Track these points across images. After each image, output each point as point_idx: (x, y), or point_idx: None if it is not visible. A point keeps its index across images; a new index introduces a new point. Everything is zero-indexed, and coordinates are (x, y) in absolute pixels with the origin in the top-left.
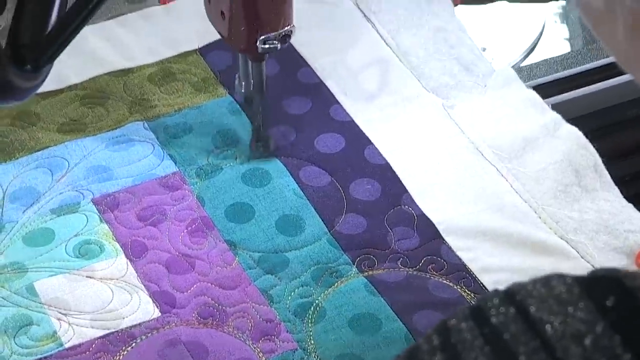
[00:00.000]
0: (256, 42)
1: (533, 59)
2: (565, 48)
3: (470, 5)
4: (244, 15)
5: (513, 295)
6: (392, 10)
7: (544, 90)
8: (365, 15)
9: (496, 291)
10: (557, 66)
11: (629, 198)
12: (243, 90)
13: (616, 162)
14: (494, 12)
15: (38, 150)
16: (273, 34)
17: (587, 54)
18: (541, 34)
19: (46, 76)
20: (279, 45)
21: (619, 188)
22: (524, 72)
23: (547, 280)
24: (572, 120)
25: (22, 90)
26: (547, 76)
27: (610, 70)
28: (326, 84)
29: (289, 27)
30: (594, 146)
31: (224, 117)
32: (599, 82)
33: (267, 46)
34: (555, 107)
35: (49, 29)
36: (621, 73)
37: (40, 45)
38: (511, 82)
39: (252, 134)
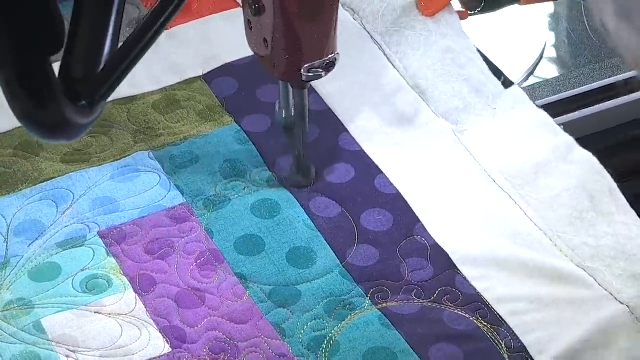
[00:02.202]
0: (300, 70)
1: (534, 79)
2: (567, 68)
3: (472, 25)
4: (288, 44)
5: None
6: (399, 31)
7: (546, 112)
8: (372, 37)
9: None
10: (559, 87)
11: None
12: (284, 117)
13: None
14: (495, 33)
15: (42, 182)
16: (317, 62)
17: (590, 74)
18: (542, 54)
19: (101, 112)
20: (323, 74)
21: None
22: (526, 93)
23: None
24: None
25: (77, 127)
26: (550, 97)
27: (614, 91)
28: (334, 111)
29: (333, 54)
30: None
31: (230, 146)
32: (602, 102)
33: (311, 74)
34: None
35: (102, 62)
36: (624, 93)
37: (95, 79)
38: (521, 102)
39: (293, 161)
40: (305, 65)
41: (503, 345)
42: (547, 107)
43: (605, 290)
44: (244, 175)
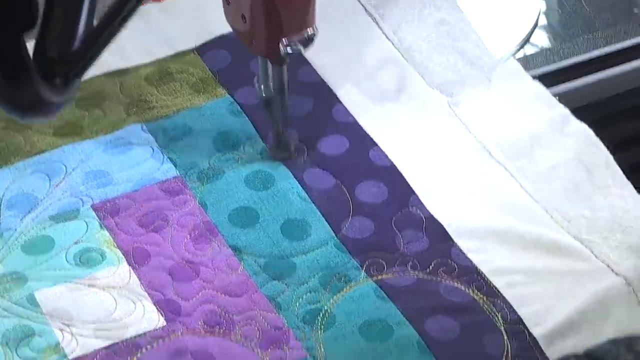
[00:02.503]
0: (278, 45)
1: (530, 48)
2: (560, 38)
3: None
4: (266, 19)
5: None
6: (394, 4)
7: (542, 82)
8: (366, 10)
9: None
10: (553, 57)
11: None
12: (263, 94)
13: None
14: (487, 3)
15: (34, 155)
16: (296, 37)
17: (583, 44)
18: (536, 24)
19: (75, 91)
20: (302, 49)
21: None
22: (521, 63)
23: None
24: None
25: (52, 106)
26: (543, 67)
27: (607, 61)
28: (327, 82)
29: (311, 29)
30: None
31: (224, 118)
32: (596, 72)
33: (290, 50)
34: None
35: (77, 41)
36: (618, 63)
37: (70, 58)
38: (516, 74)
39: (273, 137)
40: (284, 41)
41: (499, 318)
42: (542, 77)
43: (602, 262)
44: (237, 148)
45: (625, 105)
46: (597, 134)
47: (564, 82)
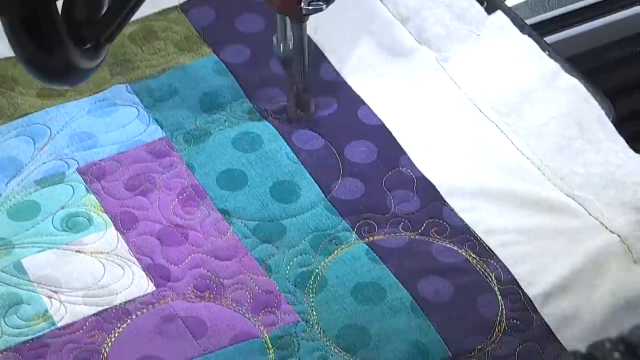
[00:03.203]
0: (300, 3)
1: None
2: None
3: None
4: None
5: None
6: None
7: (536, 31)
8: None
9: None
10: (538, 8)
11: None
12: (282, 51)
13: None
14: None
15: (18, 118)
16: None
17: None
18: None
19: (106, 56)
20: (324, 6)
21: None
22: (515, 12)
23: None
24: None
25: (83, 71)
26: (540, 15)
27: (595, 11)
28: (315, 42)
29: None
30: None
31: (210, 77)
32: (583, 22)
33: (311, 7)
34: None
35: (104, 5)
36: (606, 13)
37: (100, 22)
38: (505, 28)
39: (291, 97)
40: None
41: (493, 278)
42: (537, 26)
43: (596, 219)
44: (224, 108)
45: (621, 53)
46: (593, 82)
47: (560, 30)
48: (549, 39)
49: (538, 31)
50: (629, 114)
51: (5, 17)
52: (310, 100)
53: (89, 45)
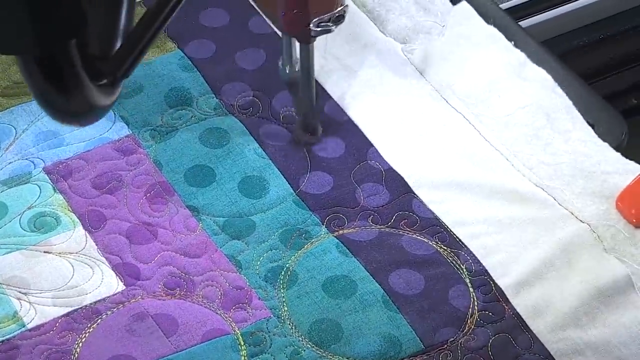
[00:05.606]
0: (309, 25)
1: None
2: None
3: None
4: None
5: None
6: None
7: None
8: None
9: None
10: None
11: None
12: (287, 72)
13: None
14: None
15: None
16: (327, 15)
17: None
18: None
19: (119, 92)
20: (334, 27)
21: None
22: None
23: None
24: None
25: (101, 109)
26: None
27: None
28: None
29: (342, 7)
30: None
31: (175, 73)
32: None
33: (320, 29)
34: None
35: (119, 39)
36: None
37: (116, 56)
38: (470, 18)
39: (299, 121)
40: (315, 20)
41: (464, 269)
42: (512, 10)
43: (566, 209)
44: (190, 104)
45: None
46: (569, 65)
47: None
48: (524, 23)
49: (512, 15)
50: (603, 96)
51: (20, 56)
52: (318, 122)
53: (105, 81)
